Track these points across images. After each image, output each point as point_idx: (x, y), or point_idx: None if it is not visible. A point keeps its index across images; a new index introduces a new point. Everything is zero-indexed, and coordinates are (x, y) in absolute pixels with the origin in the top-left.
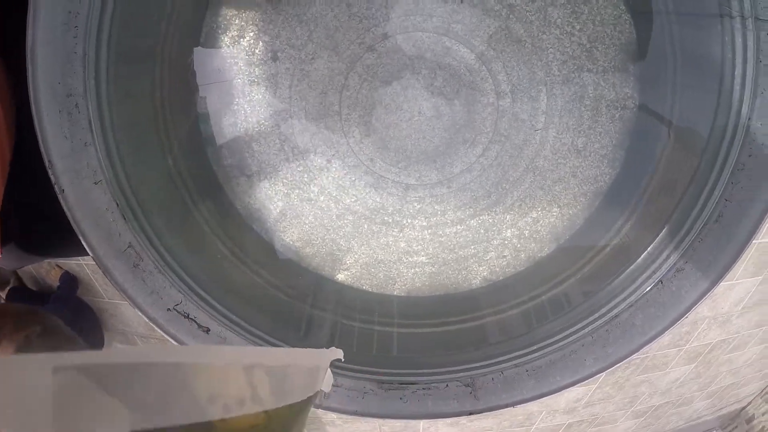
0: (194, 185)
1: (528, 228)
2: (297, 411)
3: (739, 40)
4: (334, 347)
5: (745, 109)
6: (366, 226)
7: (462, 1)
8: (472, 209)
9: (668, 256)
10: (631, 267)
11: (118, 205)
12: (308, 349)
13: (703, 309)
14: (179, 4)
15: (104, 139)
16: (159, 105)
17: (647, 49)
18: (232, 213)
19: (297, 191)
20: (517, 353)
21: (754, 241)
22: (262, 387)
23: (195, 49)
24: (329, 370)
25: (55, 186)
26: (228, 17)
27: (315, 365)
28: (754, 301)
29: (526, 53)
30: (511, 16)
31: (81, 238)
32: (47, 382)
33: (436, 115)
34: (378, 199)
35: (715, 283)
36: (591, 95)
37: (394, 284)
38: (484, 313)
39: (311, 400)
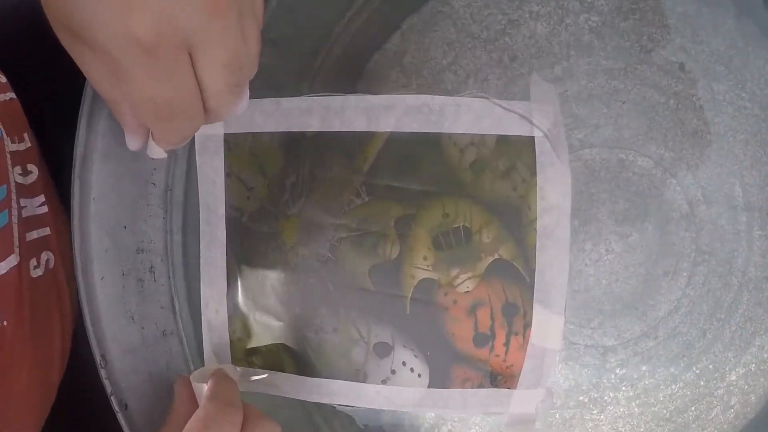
0: None
1: (754, 361)
2: None
3: None
4: None
5: None
6: (557, 416)
7: (624, 103)
8: (686, 358)
9: None
10: None
11: None
12: None
13: None
14: None
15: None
16: None
17: None
18: None
19: None
20: None
21: None
22: None
23: None
24: None
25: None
26: None
27: None
28: None
29: (706, 144)
30: (679, 106)
31: None
32: None
33: (626, 248)
34: (570, 376)
35: None
36: None
37: None
38: None
39: None
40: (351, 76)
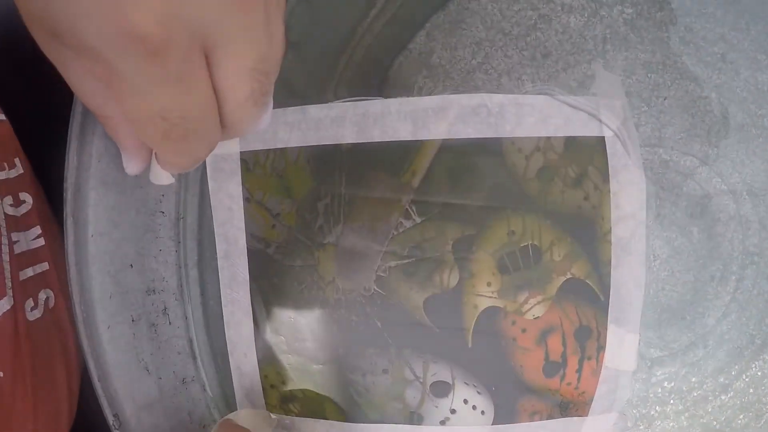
0: None
1: None
2: None
3: None
4: None
5: None
6: None
7: (666, 99)
8: (736, 366)
9: None
10: None
11: None
12: None
13: None
14: None
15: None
16: None
17: None
18: None
19: None
20: None
21: None
22: None
23: None
24: None
25: None
26: None
27: None
28: None
29: (751, 139)
30: (722, 99)
31: None
32: None
33: (673, 253)
34: None
35: None
36: None
37: None
38: None
39: None
40: (375, 79)
